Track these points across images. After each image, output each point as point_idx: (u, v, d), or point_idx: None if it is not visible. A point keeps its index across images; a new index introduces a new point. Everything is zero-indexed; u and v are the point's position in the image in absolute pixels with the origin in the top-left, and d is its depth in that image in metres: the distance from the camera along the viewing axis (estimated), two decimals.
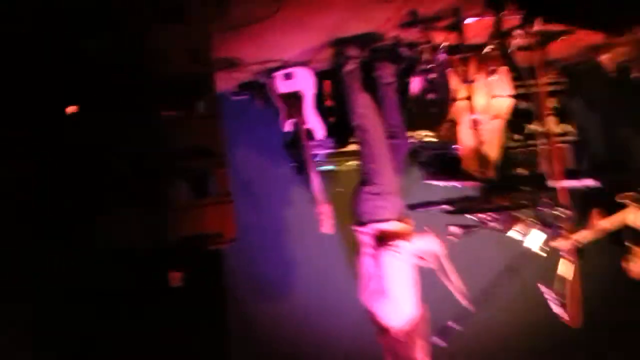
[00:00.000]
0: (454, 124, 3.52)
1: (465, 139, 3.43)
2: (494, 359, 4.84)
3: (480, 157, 3.33)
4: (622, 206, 3.50)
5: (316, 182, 3.87)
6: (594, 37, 3.65)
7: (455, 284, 3.27)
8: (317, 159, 4.28)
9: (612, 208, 3.52)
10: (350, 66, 3.53)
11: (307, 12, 3.09)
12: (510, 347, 4.85)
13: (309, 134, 4.01)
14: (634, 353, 4.61)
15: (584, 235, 3.32)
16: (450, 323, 2.83)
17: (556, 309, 3.12)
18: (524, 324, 4.79)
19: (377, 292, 3.19)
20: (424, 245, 3.28)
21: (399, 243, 3.17)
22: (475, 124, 3.30)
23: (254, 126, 4.57)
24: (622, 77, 3.77)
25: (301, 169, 4.51)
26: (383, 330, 3.19)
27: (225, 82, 4.04)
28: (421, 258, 3.35)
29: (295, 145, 4.23)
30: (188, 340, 2.95)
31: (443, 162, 3.67)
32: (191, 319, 2.96)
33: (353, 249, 3.70)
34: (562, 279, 3.07)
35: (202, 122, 2.83)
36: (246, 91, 4.30)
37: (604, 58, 3.76)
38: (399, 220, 3.38)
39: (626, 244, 3.55)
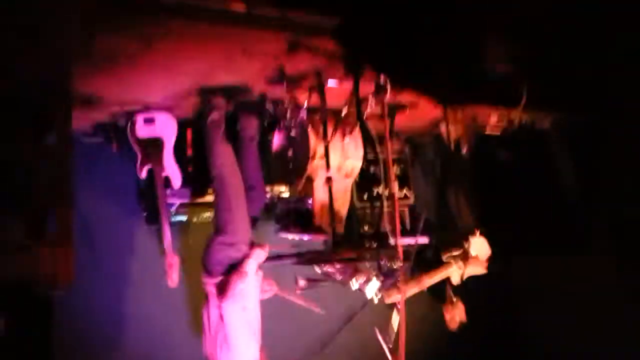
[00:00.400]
0: (310, 180, 3.70)
1: (319, 195, 3.61)
2: None
3: (331, 212, 3.51)
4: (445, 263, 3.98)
5: (167, 232, 3.73)
6: (435, 112, 4.15)
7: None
8: (172, 208, 4.18)
9: (438, 264, 3.99)
10: (214, 116, 3.58)
11: (176, 57, 3.12)
12: None
13: (166, 182, 3.92)
14: None
15: (412, 288, 3.71)
16: None
17: (387, 353, 3.33)
18: None
19: (220, 343, 3.12)
20: (255, 261, 3.32)
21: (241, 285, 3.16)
22: (329, 181, 3.50)
23: (106, 171, 4.36)
24: (455, 149, 4.31)
25: (152, 219, 4.36)
26: None
27: (79, 121, 3.85)
28: (264, 291, 3.45)
29: (149, 193, 4.11)
30: None
31: (297, 215, 3.81)
32: None
33: (199, 302, 3.63)
34: (393, 327, 3.32)
35: (50, 156, 2.62)
36: (102, 133, 4.11)
37: (443, 131, 4.27)
38: None
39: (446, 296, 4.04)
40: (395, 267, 3.24)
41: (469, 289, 4.26)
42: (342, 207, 3.68)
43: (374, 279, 3.36)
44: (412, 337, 3.47)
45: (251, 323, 3.19)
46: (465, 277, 4.13)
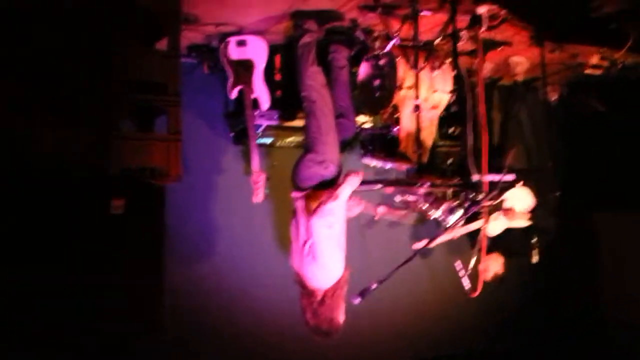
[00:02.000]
0: (396, 109, 3.73)
1: (405, 124, 3.64)
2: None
3: (417, 141, 3.54)
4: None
5: (254, 151, 3.90)
6: (530, 52, 4.03)
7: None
8: (258, 130, 4.33)
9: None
10: (306, 38, 3.63)
11: None
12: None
13: (255, 104, 4.05)
14: None
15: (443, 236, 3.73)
16: (373, 284, 2.97)
17: (464, 280, 3.40)
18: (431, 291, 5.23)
19: (307, 256, 3.27)
20: (350, 187, 3.38)
21: (330, 205, 3.27)
22: (417, 109, 3.51)
23: (197, 91, 4.53)
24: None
25: (239, 139, 4.55)
26: (308, 292, 3.27)
27: None
28: (352, 207, 3.55)
29: (238, 115, 4.27)
30: (126, 270, 2.88)
31: (382, 142, 3.86)
32: (130, 248, 2.88)
33: (282, 220, 3.80)
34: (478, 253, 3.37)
35: (162, 60, 2.82)
36: (196, 53, 4.27)
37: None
38: None
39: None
40: (478, 199, 3.23)
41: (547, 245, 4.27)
42: (428, 137, 3.69)
43: (457, 209, 3.38)
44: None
45: (337, 239, 3.30)
46: (503, 229, 4.13)
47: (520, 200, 4.02)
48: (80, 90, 2.62)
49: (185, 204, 4.41)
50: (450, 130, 3.89)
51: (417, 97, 3.51)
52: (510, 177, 3.69)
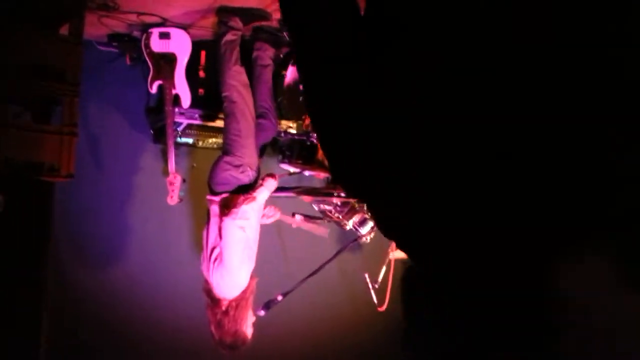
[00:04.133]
0: None
1: None
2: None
3: None
4: None
5: (171, 150, 3.73)
6: None
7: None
8: (179, 128, 4.16)
9: None
10: (230, 36, 3.49)
11: None
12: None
13: (176, 100, 3.88)
14: None
15: None
16: (278, 296, 2.86)
17: (372, 293, 3.35)
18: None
19: (215, 260, 3.14)
20: (267, 190, 3.32)
21: (246, 207, 3.15)
22: None
23: (116, 83, 4.31)
24: None
25: (158, 137, 4.34)
26: (214, 301, 3.13)
27: (95, 28, 3.79)
28: (267, 216, 3.48)
29: (158, 111, 4.08)
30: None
31: (301, 149, 3.75)
32: (7, 252, 2.63)
33: (198, 223, 3.62)
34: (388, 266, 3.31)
35: (61, 45, 2.60)
36: (117, 42, 4.05)
37: None
38: None
39: None
40: None
41: None
42: None
43: (369, 219, 3.33)
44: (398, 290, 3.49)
45: (248, 245, 3.19)
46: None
47: None
48: None
49: (96, 205, 4.16)
50: None
51: None
52: None
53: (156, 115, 4.17)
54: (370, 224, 3.35)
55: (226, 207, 3.19)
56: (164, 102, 3.83)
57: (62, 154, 2.62)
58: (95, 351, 4.02)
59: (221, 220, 3.16)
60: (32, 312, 2.68)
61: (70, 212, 3.94)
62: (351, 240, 3.24)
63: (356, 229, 3.40)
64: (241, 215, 3.13)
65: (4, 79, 2.45)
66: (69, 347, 3.87)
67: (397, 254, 3.68)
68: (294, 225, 3.65)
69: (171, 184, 3.69)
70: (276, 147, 4.04)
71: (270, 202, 3.52)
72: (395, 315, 3.47)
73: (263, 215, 3.42)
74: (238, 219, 3.11)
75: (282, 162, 3.84)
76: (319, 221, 3.62)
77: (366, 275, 3.35)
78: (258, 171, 3.46)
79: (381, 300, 3.31)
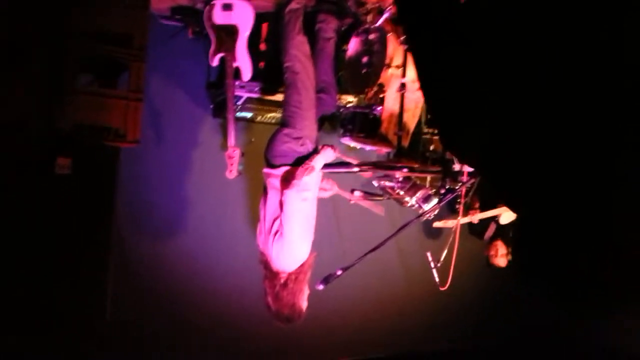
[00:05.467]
0: (381, 88, 3.53)
1: (389, 104, 3.44)
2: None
3: (399, 123, 3.35)
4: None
5: (232, 125, 3.70)
6: None
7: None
8: (239, 102, 4.13)
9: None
10: (295, 5, 3.43)
11: None
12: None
13: (236, 73, 3.84)
14: None
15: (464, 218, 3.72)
16: (338, 270, 2.80)
17: (434, 273, 3.25)
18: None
19: (276, 233, 3.09)
20: (324, 159, 3.24)
21: (307, 178, 3.08)
22: (402, 87, 3.32)
23: (179, 56, 4.32)
24: None
25: (218, 112, 4.35)
26: (272, 274, 3.10)
27: (159, 2, 3.80)
28: (325, 189, 3.39)
29: (219, 85, 4.07)
30: (67, 237, 2.66)
31: (363, 122, 3.65)
32: (76, 210, 2.67)
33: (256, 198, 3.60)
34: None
35: (127, 11, 2.59)
36: (180, 16, 4.05)
37: None
38: None
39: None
40: (456, 188, 3.06)
41: None
42: (411, 120, 3.50)
43: (432, 197, 3.21)
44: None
45: (308, 218, 3.14)
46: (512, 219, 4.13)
47: None
48: (31, 39, 2.38)
49: (156, 175, 4.21)
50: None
51: (403, 75, 3.31)
52: None
53: (217, 90, 4.17)
54: (435, 200, 3.23)
55: (287, 180, 3.13)
56: (225, 74, 3.80)
57: (128, 120, 2.64)
58: (155, 309, 4.14)
59: (282, 194, 3.10)
60: (97, 270, 2.72)
61: (131, 179, 3.99)
62: (416, 216, 3.12)
63: (420, 206, 3.28)
64: (303, 187, 3.07)
65: (73, 45, 2.46)
66: (131, 305, 3.98)
67: (449, 223, 3.61)
68: (352, 201, 3.57)
69: (230, 157, 3.64)
70: (336, 122, 3.95)
71: (327, 176, 3.46)
72: (447, 295, 3.38)
73: (320, 189, 3.35)
74: (301, 190, 3.05)
75: (343, 136, 3.75)
76: (378, 198, 3.52)
77: (428, 254, 3.24)
78: (317, 145, 3.38)
79: (443, 280, 3.20)
